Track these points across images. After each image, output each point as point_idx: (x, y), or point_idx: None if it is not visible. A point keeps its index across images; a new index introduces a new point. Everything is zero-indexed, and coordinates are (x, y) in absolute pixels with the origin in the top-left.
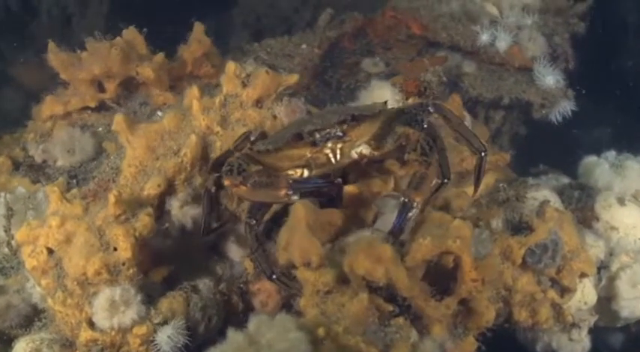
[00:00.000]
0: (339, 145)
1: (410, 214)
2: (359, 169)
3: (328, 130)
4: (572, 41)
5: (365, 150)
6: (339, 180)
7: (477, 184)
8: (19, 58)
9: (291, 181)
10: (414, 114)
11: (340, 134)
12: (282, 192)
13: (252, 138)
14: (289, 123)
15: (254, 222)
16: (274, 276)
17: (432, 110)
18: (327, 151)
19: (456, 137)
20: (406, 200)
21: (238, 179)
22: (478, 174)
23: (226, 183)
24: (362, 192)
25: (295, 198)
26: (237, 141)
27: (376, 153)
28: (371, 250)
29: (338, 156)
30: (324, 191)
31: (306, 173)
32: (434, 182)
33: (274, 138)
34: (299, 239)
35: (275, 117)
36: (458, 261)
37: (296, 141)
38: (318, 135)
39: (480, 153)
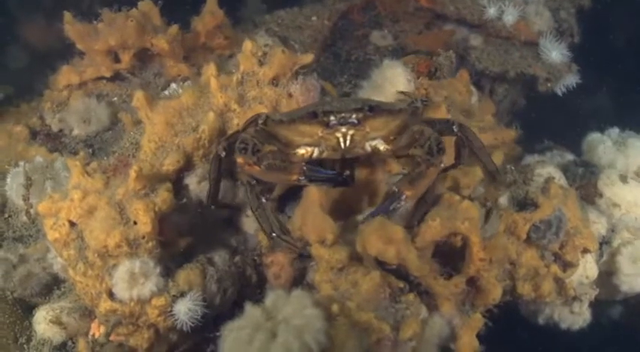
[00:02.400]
0: (351, 132)
1: (396, 205)
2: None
3: (343, 115)
4: (577, 16)
5: (380, 145)
6: (348, 172)
7: (491, 214)
8: (29, 19)
9: (304, 168)
10: (438, 129)
11: (355, 121)
12: (294, 176)
13: (260, 122)
14: (310, 103)
15: (254, 181)
16: (274, 234)
17: (455, 129)
18: (339, 135)
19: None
20: (396, 190)
21: (253, 159)
22: (492, 203)
23: (239, 160)
24: (373, 171)
25: (304, 182)
26: (246, 124)
27: (390, 149)
28: (383, 231)
29: (348, 142)
30: (333, 182)
31: (316, 152)
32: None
33: (292, 112)
34: (313, 218)
35: (290, 95)
36: (466, 241)
37: (310, 119)
38: (332, 117)
39: (494, 179)
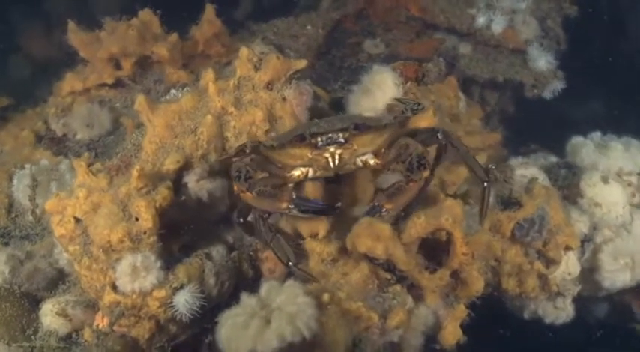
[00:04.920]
0: (339, 151)
1: (377, 217)
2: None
3: (330, 135)
4: (564, 24)
5: (371, 160)
6: (340, 204)
7: (483, 213)
8: (30, 29)
9: (294, 196)
10: (423, 138)
11: (342, 141)
12: (284, 205)
13: (247, 151)
14: (298, 124)
15: (266, 215)
16: (291, 264)
17: (440, 137)
18: (327, 155)
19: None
20: (376, 204)
21: (245, 185)
22: (482, 203)
23: (235, 188)
24: (362, 171)
25: (295, 212)
26: (236, 150)
27: (380, 163)
28: (371, 229)
29: (337, 162)
30: (322, 213)
31: (310, 172)
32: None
33: (281, 136)
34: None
35: (284, 98)
36: (450, 236)
37: (299, 142)
38: (319, 139)
39: (483, 183)
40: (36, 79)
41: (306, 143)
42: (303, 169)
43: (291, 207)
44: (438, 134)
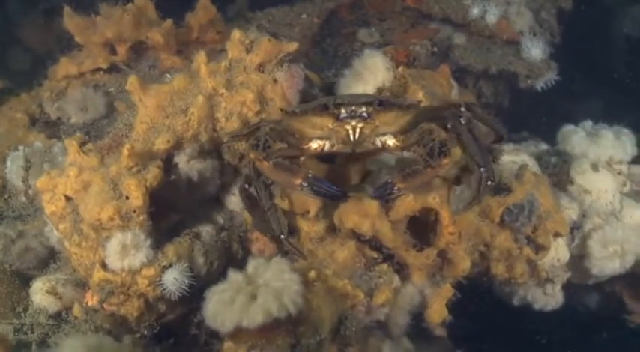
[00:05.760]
0: (361, 125)
1: (387, 195)
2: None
3: (354, 108)
4: (558, 16)
5: (390, 140)
6: (350, 195)
7: (476, 197)
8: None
9: (309, 175)
10: (447, 118)
11: (365, 115)
12: (298, 181)
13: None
14: (295, 88)
15: (270, 181)
16: (282, 237)
17: (463, 122)
18: (348, 127)
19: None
20: (389, 181)
21: (262, 154)
22: (478, 188)
23: (251, 156)
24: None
25: (307, 190)
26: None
27: (400, 145)
28: (359, 206)
29: (357, 135)
30: (333, 198)
31: (327, 145)
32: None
33: (304, 105)
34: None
35: (275, 81)
36: (437, 215)
37: (321, 110)
38: (343, 110)
39: (480, 168)
40: (35, 72)
41: (329, 112)
42: (320, 142)
43: (305, 185)
44: (462, 111)
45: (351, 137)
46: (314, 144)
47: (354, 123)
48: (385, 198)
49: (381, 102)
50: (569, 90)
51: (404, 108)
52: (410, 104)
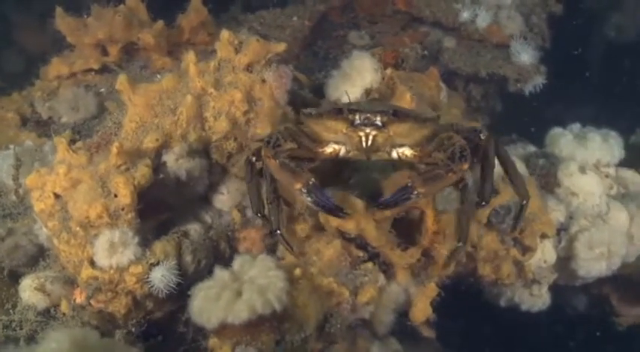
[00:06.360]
0: (374, 133)
1: (405, 200)
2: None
3: (368, 115)
4: (548, 21)
5: (407, 151)
6: (347, 213)
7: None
8: (22, 21)
9: (311, 182)
10: (466, 136)
11: (379, 124)
12: (298, 185)
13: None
14: (283, 88)
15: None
16: (279, 231)
17: (482, 137)
18: (361, 134)
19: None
20: (409, 185)
21: (272, 152)
22: (518, 218)
23: (263, 151)
24: None
25: (305, 197)
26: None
27: (418, 155)
28: (344, 204)
29: (370, 143)
30: (329, 211)
31: (342, 150)
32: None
33: (320, 108)
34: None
35: (264, 81)
36: (422, 215)
37: (336, 114)
38: (357, 116)
39: (522, 200)
40: (30, 73)
41: (343, 117)
42: (336, 146)
43: (304, 190)
44: (481, 135)
45: (364, 144)
46: (329, 149)
47: (367, 130)
48: (401, 203)
49: (395, 112)
50: (558, 94)
51: (419, 121)
52: (427, 118)
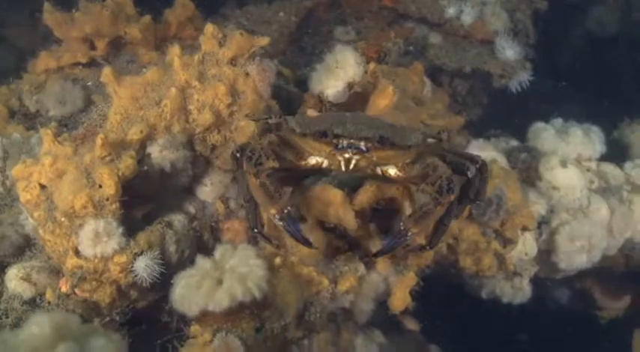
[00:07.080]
0: (357, 157)
1: (402, 242)
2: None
3: (353, 141)
4: (533, 17)
5: (391, 170)
6: (317, 246)
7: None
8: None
9: (286, 210)
10: (461, 165)
11: (363, 149)
12: (273, 211)
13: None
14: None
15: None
16: (256, 230)
17: (472, 171)
18: (346, 156)
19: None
20: (402, 229)
21: (253, 170)
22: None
23: (245, 167)
24: None
25: (277, 222)
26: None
27: (401, 176)
28: (324, 194)
29: (351, 166)
30: (299, 242)
31: (325, 163)
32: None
33: (308, 123)
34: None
35: (247, 74)
36: (401, 206)
37: (320, 137)
38: (342, 141)
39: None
40: (20, 70)
41: (327, 140)
42: (319, 159)
43: (277, 217)
44: (471, 168)
45: (343, 168)
46: (312, 161)
47: (349, 154)
48: (397, 246)
49: (381, 139)
50: (541, 90)
51: (404, 148)
52: (412, 145)
